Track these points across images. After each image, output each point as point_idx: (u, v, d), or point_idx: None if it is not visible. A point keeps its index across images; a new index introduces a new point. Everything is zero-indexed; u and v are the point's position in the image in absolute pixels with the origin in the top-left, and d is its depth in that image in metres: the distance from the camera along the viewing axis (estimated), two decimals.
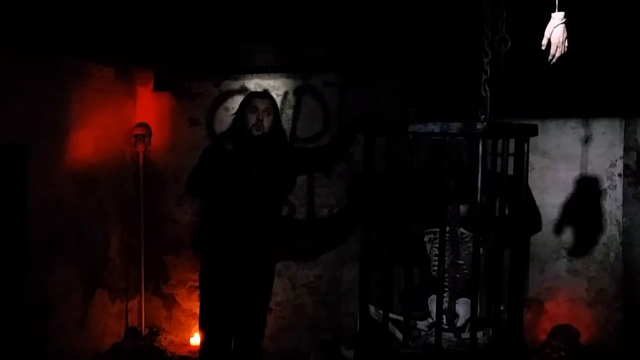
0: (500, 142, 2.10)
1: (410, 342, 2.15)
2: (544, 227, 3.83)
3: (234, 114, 3.04)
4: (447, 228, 2.35)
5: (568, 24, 1.87)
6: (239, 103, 3.05)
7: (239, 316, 3.00)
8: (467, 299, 2.32)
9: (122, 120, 4.01)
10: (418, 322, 2.37)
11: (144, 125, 4.07)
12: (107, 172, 3.83)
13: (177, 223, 4.17)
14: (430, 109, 3.30)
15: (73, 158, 3.46)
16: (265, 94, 3.14)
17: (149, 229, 4.14)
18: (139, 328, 4.15)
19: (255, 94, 3.09)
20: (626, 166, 3.75)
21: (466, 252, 2.41)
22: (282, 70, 3.98)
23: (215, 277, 2.96)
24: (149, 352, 3.95)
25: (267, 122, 2.89)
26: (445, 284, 2.35)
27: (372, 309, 2.38)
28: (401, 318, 2.23)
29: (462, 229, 2.44)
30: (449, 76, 3.61)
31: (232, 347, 3.04)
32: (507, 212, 2.23)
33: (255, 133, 2.86)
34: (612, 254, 3.80)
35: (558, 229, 3.84)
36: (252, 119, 2.87)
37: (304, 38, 3.07)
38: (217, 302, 2.96)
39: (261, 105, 2.90)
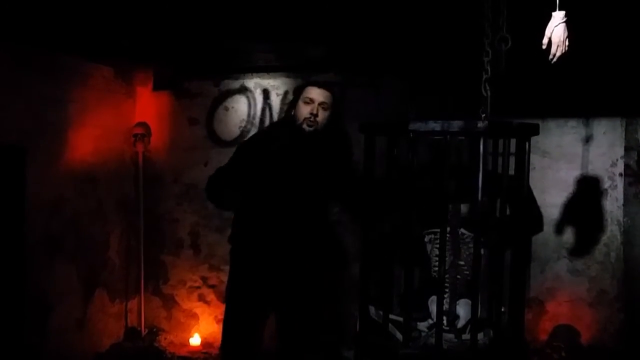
0: (501, 141, 2.09)
1: (410, 343, 2.15)
2: (544, 227, 3.82)
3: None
4: (448, 228, 2.34)
5: (569, 23, 1.86)
6: (238, 102, 2.98)
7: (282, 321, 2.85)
8: (467, 300, 2.31)
9: (122, 120, 3.99)
10: (418, 323, 2.37)
11: (143, 124, 4.05)
12: (107, 171, 3.81)
13: (176, 223, 4.16)
14: (431, 108, 3.30)
15: (72, 158, 3.45)
16: (324, 84, 2.65)
17: (149, 229, 4.13)
18: (139, 328, 4.14)
19: (312, 83, 2.66)
20: (627, 166, 3.73)
21: (467, 252, 2.40)
22: (283, 69, 3.96)
23: (245, 289, 2.72)
24: (148, 352, 3.94)
25: (321, 118, 2.52)
26: (446, 284, 2.34)
27: (372, 309, 2.37)
28: (401, 319, 2.23)
29: (462, 230, 2.43)
30: (450, 75, 3.60)
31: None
32: (508, 212, 2.22)
33: (307, 129, 2.51)
34: (613, 254, 3.79)
35: (559, 228, 3.82)
36: (305, 112, 2.51)
37: (304, 37, 3.06)
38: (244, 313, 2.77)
39: (318, 96, 2.53)
